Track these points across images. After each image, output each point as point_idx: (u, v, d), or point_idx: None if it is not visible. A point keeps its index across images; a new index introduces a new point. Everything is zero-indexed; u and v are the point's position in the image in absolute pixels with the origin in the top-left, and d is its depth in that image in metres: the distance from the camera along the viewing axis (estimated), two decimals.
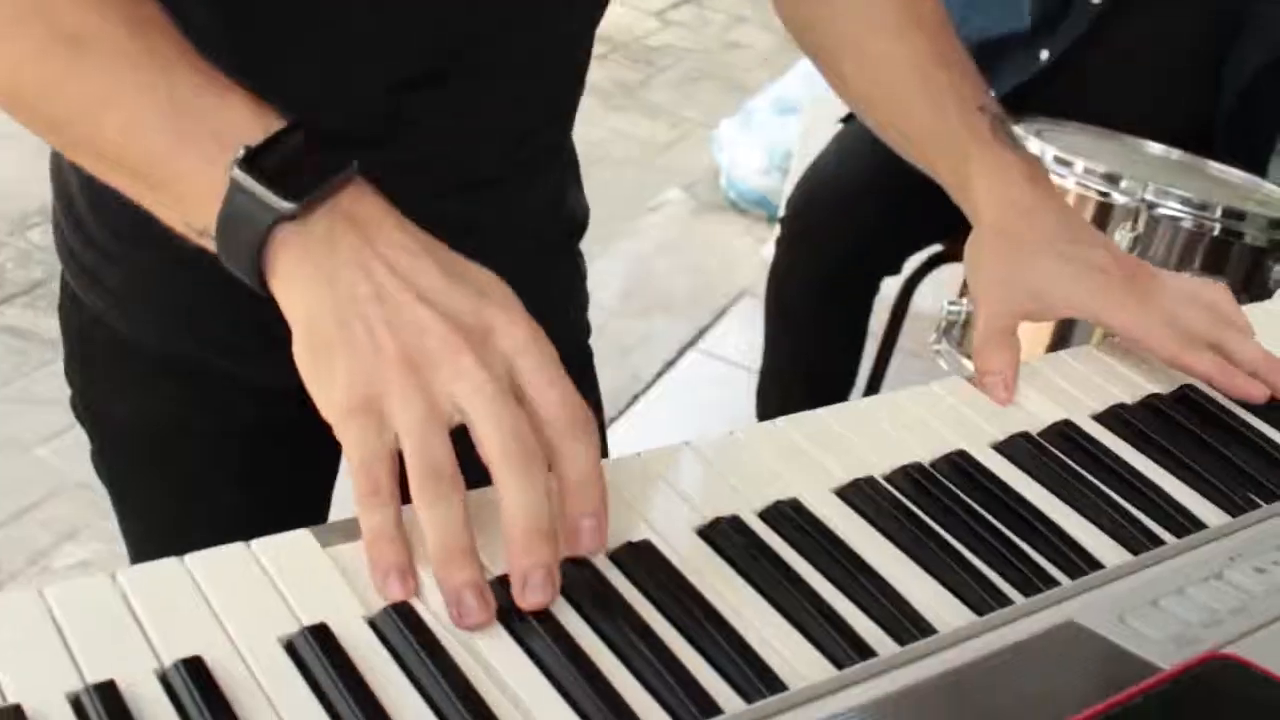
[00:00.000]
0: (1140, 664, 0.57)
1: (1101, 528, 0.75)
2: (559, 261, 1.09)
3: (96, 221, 0.94)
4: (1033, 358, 0.92)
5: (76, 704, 0.53)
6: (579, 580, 0.64)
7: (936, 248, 2.27)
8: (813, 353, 2.26)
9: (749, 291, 3.04)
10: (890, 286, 2.31)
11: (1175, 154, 1.89)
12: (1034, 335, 1.61)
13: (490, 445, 0.62)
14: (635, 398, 2.69)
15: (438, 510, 0.61)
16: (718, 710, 0.58)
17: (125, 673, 0.55)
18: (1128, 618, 0.60)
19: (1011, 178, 0.94)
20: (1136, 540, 0.74)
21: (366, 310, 0.63)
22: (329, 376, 0.63)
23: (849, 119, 2.20)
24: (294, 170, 0.66)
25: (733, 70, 4.12)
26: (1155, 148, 1.90)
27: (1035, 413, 0.86)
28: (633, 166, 3.53)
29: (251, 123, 0.67)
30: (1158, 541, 0.74)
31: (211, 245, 0.67)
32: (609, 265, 3.07)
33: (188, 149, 0.67)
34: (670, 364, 2.83)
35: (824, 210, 2.13)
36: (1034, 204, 0.94)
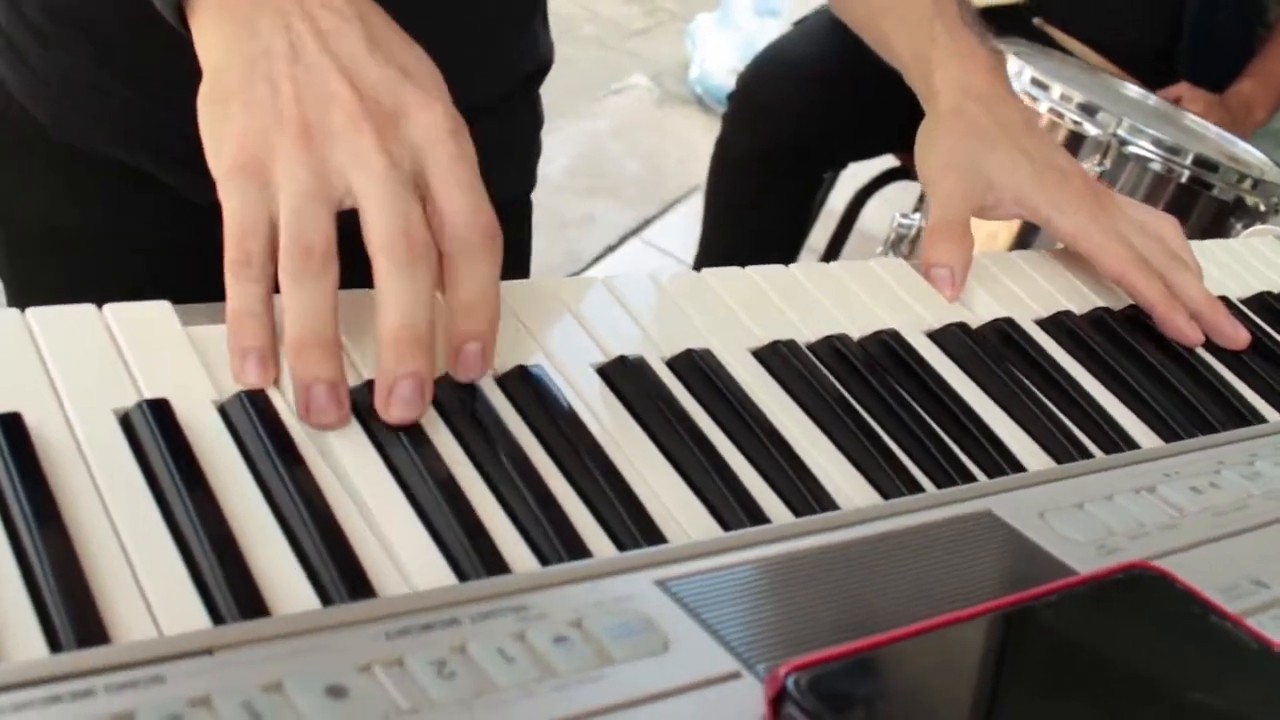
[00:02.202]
0: (1055, 565, 0.52)
1: (1029, 432, 0.70)
2: (518, 102, 1.02)
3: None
4: (983, 257, 0.86)
5: None
6: (455, 398, 0.58)
7: (890, 162, 2.21)
8: (748, 236, 2.20)
9: (702, 188, 2.96)
10: (838, 200, 2.26)
11: (1152, 99, 1.84)
12: (990, 244, 1.56)
13: (374, 233, 0.55)
14: (569, 277, 2.62)
15: (303, 289, 0.54)
16: (586, 553, 0.52)
17: None
18: (1049, 516, 0.55)
19: (976, 65, 0.89)
20: (1063, 449, 0.69)
21: (277, 67, 0.58)
22: (222, 129, 0.57)
23: (820, 11, 2.15)
24: None
25: None
26: (1133, 90, 1.84)
27: (976, 309, 0.81)
28: (599, 47, 3.44)
29: None
30: (1086, 454, 0.69)
31: None
32: (561, 141, 2.99)
33: None
34: (610, 249, 2.76)
35: (773, 88, 2.09)
36: (996, 95, 0.89)
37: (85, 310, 0.57)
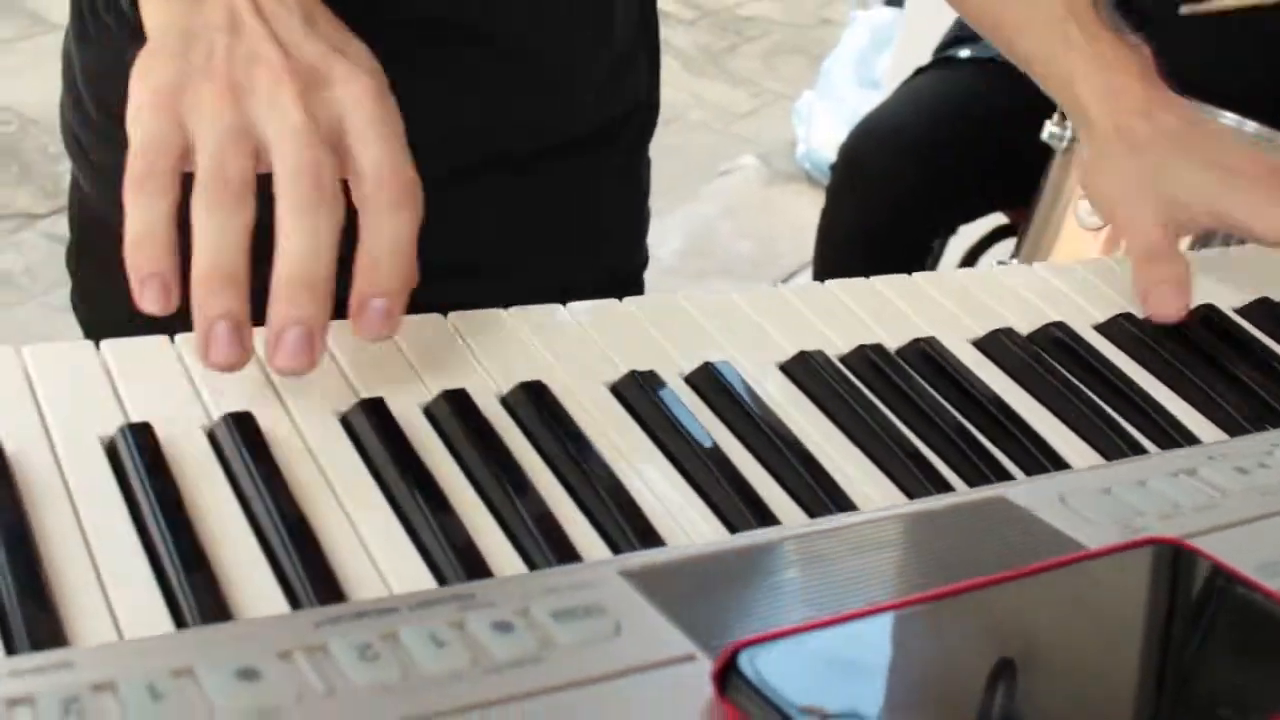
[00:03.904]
0: (1066, 543, 0.48)
1: (1080, 432, 0.66)
2: (625, 146, 0.98)
3: (92, 96, 0.88)
4: (1042, 268, 0.82)
5: None
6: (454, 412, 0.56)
7: (1001, 220, 2.16)
8: None
9: None
10: (946, 263, 2.21)
11: (1250, 125, 1.77)
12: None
13: (279, 178, 0.54)
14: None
15: (214, 220, 0.53)
16: (576, 557, 0.50)
17: None
18: (1070, 500, 0.52)
19: (1124, 71, 0.82)
20: (1115, 447, 0.65)
21: (214, 37, 0.58)
22: (145, 77, 0.57)
23: (917, 74, 2.11)
24: None
25: (823, 46, 4.00)
26: (1228, 117, 1.78)
27: (1029, 317, 0.77)
28: (708, 131, 3.44)
29: None
30: (1140, 451, 0.65)
31: None
32: (671, 224, 2.99)
33: None
34: None
35: (874, 156, 2.03)
36: (1153, 101, 0.82)
37: (84, 346, 0.57)
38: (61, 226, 2.50)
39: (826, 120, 3.28)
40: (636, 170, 1.00)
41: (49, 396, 0.53)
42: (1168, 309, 0.76)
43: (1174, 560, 0.45)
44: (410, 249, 0.56)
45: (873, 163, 2.03)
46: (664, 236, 2.88)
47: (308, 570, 0.47)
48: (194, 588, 0.44)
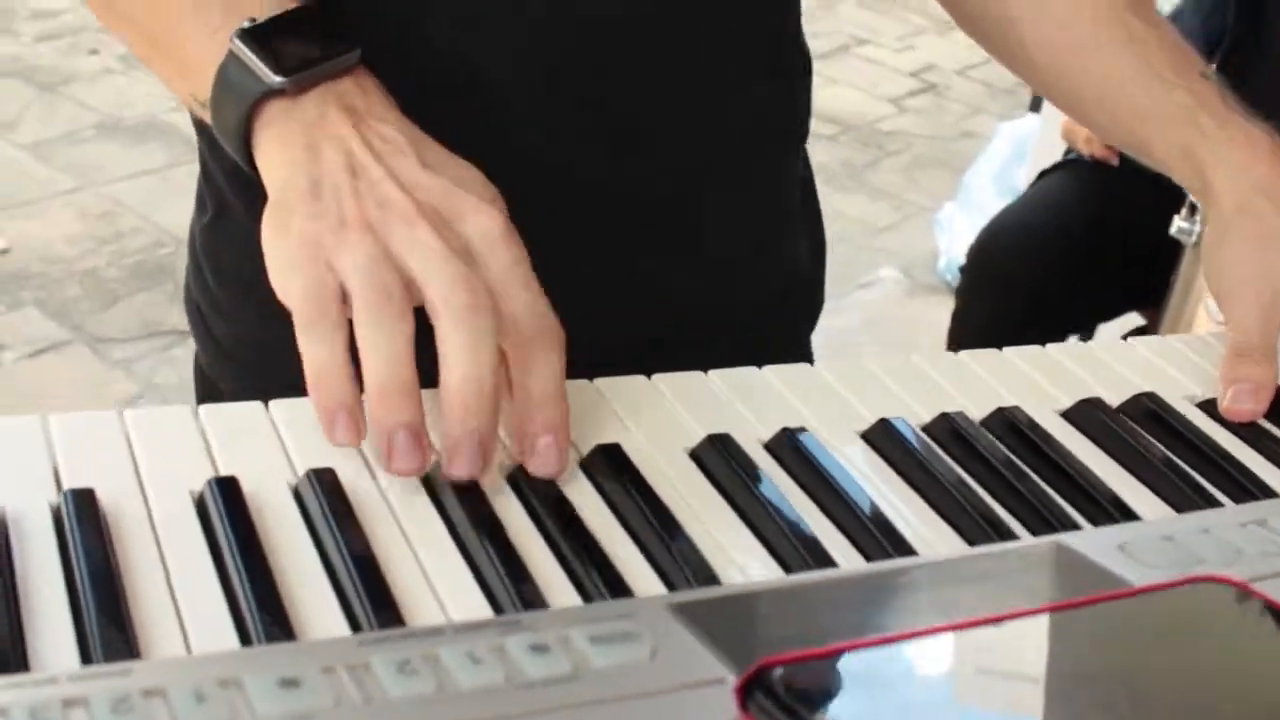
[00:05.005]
0: (1117, 581, 0.48)
1: (1160, 493, 0.66)
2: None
3: (209, 266, 0.90)
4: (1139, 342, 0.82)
5: None
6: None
7: (1136, 320, 2.14)
8: None
9: None
10: None
11: None
12: None
13: (434, 294, 0.56)
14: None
15: (382, 334, 0.55)
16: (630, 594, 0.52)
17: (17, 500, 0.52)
18: (1129, 548, 0.52)
19: (1255, 153, 0.79)
20: (1192, 503, 0.64)
21: (340, 180, 0.61)
22: (286, 238, 0.60)
23: (1045, 174, 2.11)
24: (295, 49, 0.64)
25: (965, 159, 4.01)
26: None
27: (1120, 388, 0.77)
28: (848, 245, 3.46)
29: (268, 1, 0.66)
30: (1216, 504, 0.64)
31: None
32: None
33: (199, 17, 0.67)
34: None
35: (1004, 256, 2.02)
36: (1277, 182, 0.78)
37: (183, 410, 0.61)
38: None
39: (967, 231, 3.27)
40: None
41: (146, 455, 0.57)
42: (1241, 410, 0.74)
43: (1224, 598, 0.45)
44: (563, 387, 0.59)
45: (1002, 263, 2.03)
46: None
47: (371, 600, 0.49)
48: (262, 612, 0.47)
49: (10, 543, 0.50)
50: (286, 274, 0.58)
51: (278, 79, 0.63)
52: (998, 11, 0.89)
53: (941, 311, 3.24)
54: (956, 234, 3.31)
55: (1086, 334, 2.11)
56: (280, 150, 0.63)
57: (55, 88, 3.64)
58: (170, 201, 3.16)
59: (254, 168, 0.65)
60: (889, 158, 4.02)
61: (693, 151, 0.84)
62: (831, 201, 3.68)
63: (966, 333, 2.11)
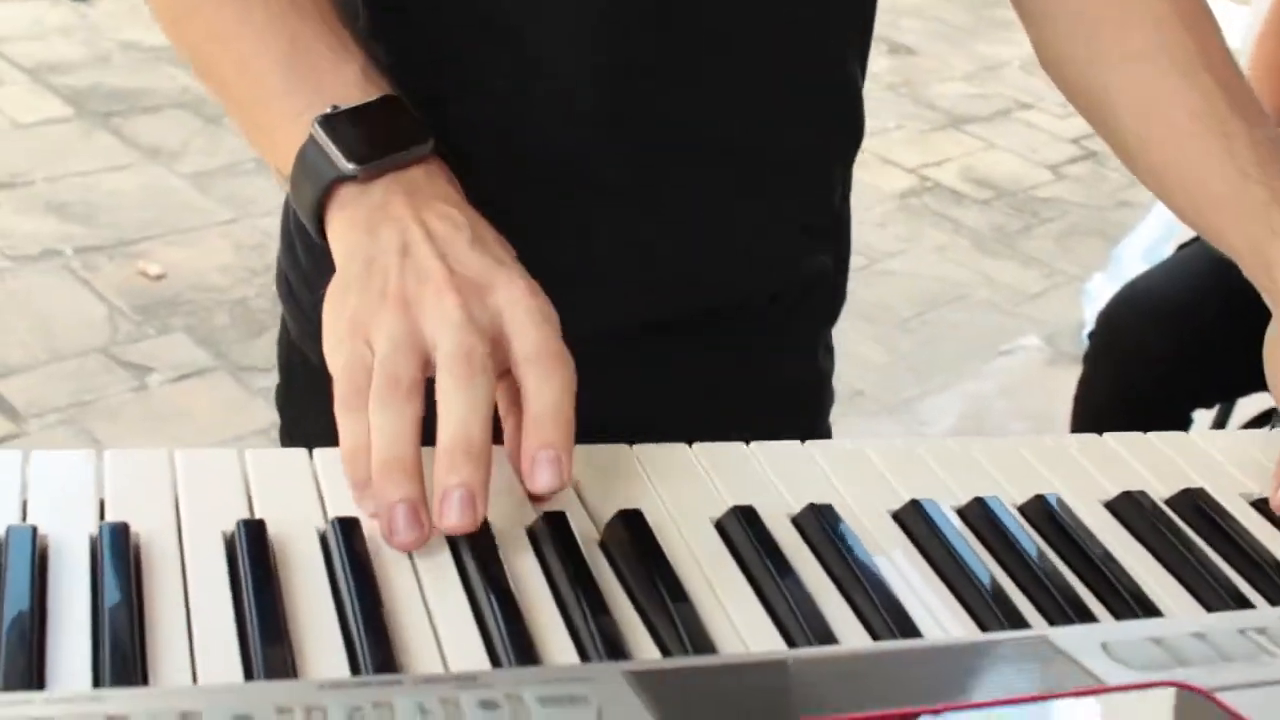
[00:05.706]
0: (1087, 677, 0.48)
1: (1193, 592, 0.66)
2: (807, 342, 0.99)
3: (300, 241, 0.94)
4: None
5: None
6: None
7: (1266, 400, 2.08)
8: None
9: None
10: None
11: None
12: None
13: (439, 362, 0.61)
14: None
15: (386, 416, 0.60)
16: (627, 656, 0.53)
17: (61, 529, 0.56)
18: (1112, 648, 0.52)
19: None
20: (1223, 602, 0.64)
21: (391, 260, 0.65)
22: (340, 312, 0.65)
23: (1185, 246, 2.07)
24: (371, 137, 0.69)
25: (1121, 229, 3.95)
26: None
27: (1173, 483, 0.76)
28: (993, 311, 3.43)
29: (353, 88, 0.71)
30: (1247, 605, 0.64)
31: None
32: (947, 401, 2.97)
33: (288, 98, 0.71)
34: None
35: (1133, 326, 1.98)
36: None
37: (229, 454, 0.65)
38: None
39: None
40: (814, 353, 1.00)
41: (188, 493, 0.60)
42: None
43: (1185, 706, 0.45)
44: (569, 409, 0.62)
45: (1130, 330, 1.99)
46: (938, 413, 2.87)
47: (371, 644, 0.52)
48: (265, 649, 0.50)
49: (48, 569, 0.54)
50: (334, 348, 0.63)
51: (350, 166, 0.68)
52: (1102, 85, 0.89)
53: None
54: (1102, 304, 3.26)
55: (1211, 404, 2.06)
56: (347, 231, 0.68)
57: (220, 120, 3.77)
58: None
59: (323, 236, 0.70)
60: (1042, 225, 3.97)
61: (733, 150, 0.86)
62: (981, 266, 3.65)
63: (1092, 399, 2.08)
